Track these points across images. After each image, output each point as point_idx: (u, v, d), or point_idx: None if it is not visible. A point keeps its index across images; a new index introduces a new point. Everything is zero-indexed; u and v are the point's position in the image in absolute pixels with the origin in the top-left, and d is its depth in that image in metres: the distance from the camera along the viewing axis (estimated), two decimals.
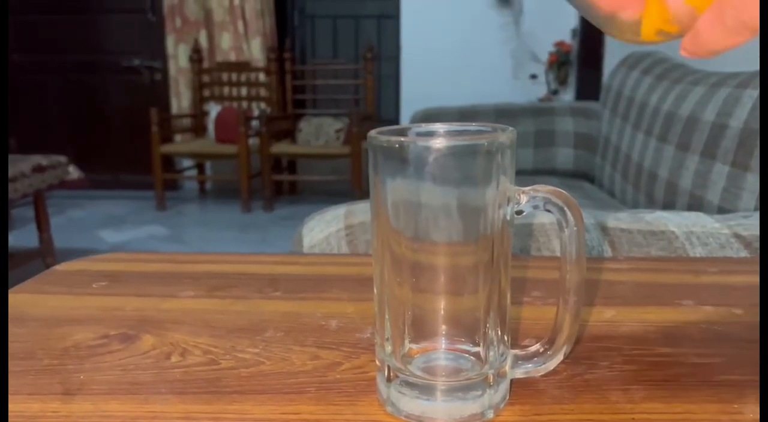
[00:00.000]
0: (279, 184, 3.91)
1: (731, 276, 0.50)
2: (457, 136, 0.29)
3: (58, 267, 0.55)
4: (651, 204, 1.37)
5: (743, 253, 0.60)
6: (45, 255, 2.47)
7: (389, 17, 3.93)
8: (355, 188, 3.38)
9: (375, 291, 0.31)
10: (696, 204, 1.15)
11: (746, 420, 0.29)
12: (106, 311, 0.44)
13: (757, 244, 0.59)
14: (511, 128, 0.29)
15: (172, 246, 3.00)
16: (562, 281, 0.30)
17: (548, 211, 0.30)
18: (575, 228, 0.29)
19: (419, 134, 0.31)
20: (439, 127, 0.31)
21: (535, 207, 0.30)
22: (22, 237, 2.80)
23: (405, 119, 3.47)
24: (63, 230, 3.09)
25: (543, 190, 0.29)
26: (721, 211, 1.06)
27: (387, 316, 0.31)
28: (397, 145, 0.28)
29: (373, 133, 0.29)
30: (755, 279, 0.49)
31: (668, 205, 1.27)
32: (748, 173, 1.00)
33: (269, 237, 3.15)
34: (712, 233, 0.61)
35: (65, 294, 0.48)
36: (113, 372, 0.35)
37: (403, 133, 0.30)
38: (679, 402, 0.31)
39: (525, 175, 1.87)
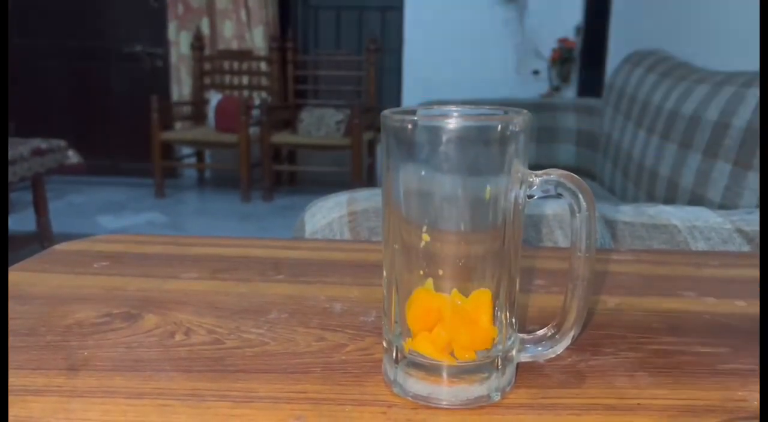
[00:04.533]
0: (278, 174, 3.90)
1: (733, 269, 0.50)
2: (472, 118, 0.29)
3: (58, 247, 0.54)
4: (651, 202, 1.37)
5: (746, 248, 0.60)
6: (42, 240, 2.46)
7: (393, 9, 3.91)
8: (355, 180, 3.37)
9: (384, 274, 0.31)
10: (697, 202, 1.15)
11: (751, 408, 0.29)
12: (109, 290, 0.44)
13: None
14: (525, 111, 0.28)
15: (171, 234, 2.99)
16: (572, 266, 0.30)
17: (560, 195, 0.30)
18: (587, 214, 0.29)
19: (433, 115, 0.31)
20: (454, 109, 0.31)
21: (547, 191, 0.30)
22: (19, 221, 2.78)
23: None
24: (61, 215, 3.08)
25: (556, 173, 0.29)
26: (722, 209, 1.06)
27: (396, 299, 0.31)
28: (409, 125, 0.28)
29: (386, 112, 0.29)
30: (757, 272, 0.49)
31: (669, 203, 1.27)
32: (750, 172, 1.01)
33: (268, 226, 3.14)
34: (715, 228, 0.61)
35: (67, 273, 0.48)
36: (117, 350, 0.35)
37: (416, 114, 0.30)
38: (685, 389, 0.31)
39: None
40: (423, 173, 0.28)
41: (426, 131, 0.28)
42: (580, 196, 0.29)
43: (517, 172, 0.28)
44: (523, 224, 0.31)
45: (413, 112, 0.29)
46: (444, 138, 0.27)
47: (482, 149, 0.28)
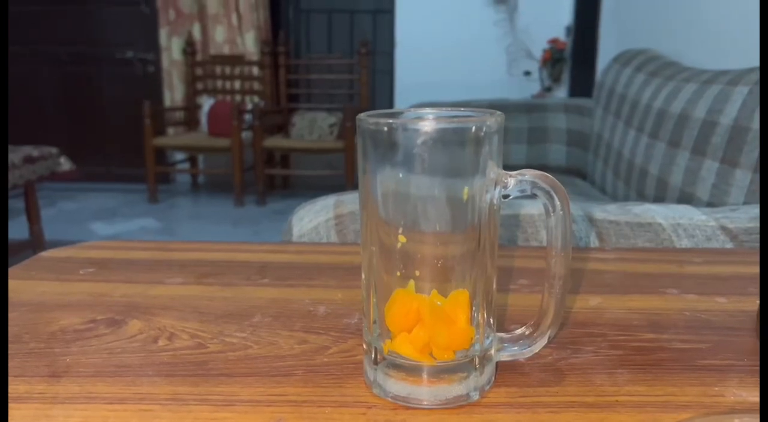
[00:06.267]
0: (272, 178, 3.90)
1: (715, 266, 0.51)
2: (446, 120, 0.30)
3: (45, 254, 0.54)
4: (641, 200, 1.37)
5: (729, 245, 0.60)
6: (35, 248, 2.45)
7: (384, 12, 3.92)
8: (348, 183, 3.38)
9: (363, 276, 0.32)
10: (686, 200, 1.16)
11: (727, 403, 0.30)
12: (94, 297, 0.44)
13: (743, 237, 0.60)
14: (499, 112, 0.29)
15: (165, 239, 2.98)
16: (548, 265, 0.31)
17: (535, 195, 0.30)
18: (561, 213, 0.30)
19: (408, 118, 0.31)
20: (429, 111, 0.31)
21: (522, 191, 0.30)
22: (12, 229, 2.78)
23: None
24: (54, 222, 3.08)
25: (530, 173, 0.29)
26: (710, 207, 1.06)
27: (374, 300, 0.31)
28: (385, 128, 0.28)
29: (362, 115, 0.29)
30: (739, 269, 0.50)
31: (658, 202, 1.27)
32: (737, 169, 1.01)
33: (261, 230, 3.14)
34: (699, 225, 0.61)
35: (52, 280, 0.48)
36: (100, 355, 0.36)
37: (392, 116, 0.30)
38: (662, 385, 0.31)
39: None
40: (399, 174, 0.28)
41: (400, 134, 0.28)
42: (554, 195, 0.29)
43: (492, 172, 0.29)
44: (504, 226, 0.31)
45: (388, 115, 0.30)
46: (418, 140, 0.27)
47: (456, 151, 0.28)
